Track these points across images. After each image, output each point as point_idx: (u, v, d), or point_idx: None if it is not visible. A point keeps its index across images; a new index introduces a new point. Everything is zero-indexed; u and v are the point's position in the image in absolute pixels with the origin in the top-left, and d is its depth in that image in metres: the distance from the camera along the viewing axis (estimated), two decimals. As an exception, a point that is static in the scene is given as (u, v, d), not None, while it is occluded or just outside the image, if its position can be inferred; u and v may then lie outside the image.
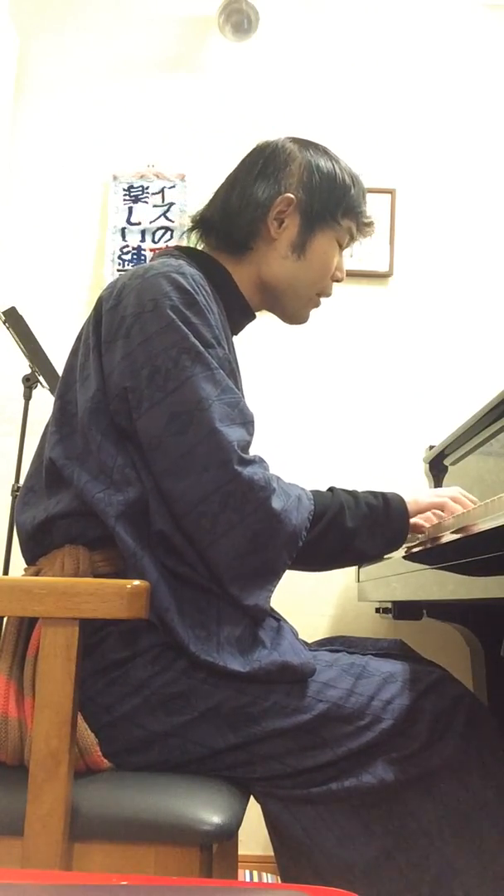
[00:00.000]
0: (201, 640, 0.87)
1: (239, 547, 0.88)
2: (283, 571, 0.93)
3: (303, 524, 0.92)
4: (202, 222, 1.12)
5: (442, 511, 1.04)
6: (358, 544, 0.97)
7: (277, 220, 1.07)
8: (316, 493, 0.98)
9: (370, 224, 1.14)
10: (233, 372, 0.98)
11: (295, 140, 1.11)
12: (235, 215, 1.07)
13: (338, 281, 1.14)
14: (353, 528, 0.96)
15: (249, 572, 0.90)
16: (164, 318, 0.91)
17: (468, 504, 1.05)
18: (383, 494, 1.02)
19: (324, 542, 0.95)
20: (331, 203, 1.08)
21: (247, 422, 0.93)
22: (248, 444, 0.92)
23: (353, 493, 1.00)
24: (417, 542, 1.04)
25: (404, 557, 1.07)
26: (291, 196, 1.07)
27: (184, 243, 1.61)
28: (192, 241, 1.15)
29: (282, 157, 1.08)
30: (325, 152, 1.11)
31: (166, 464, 0.88)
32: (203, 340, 0.92)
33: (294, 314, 1.15)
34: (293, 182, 1.07)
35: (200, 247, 1.12)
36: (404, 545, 1.04)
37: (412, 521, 1.03)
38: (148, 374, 0.89)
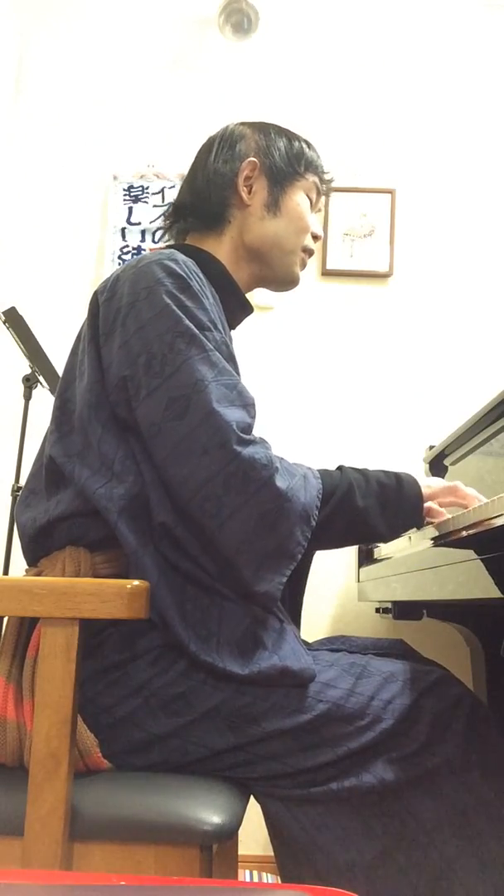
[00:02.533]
0: (201, 640, 0.87)
1: (247, 528, 0.87)
2: (299, 553, 0.91)
3: (312, 502, 0.91)
4: (175, 211, 1.15)
5: (454, 495, 1.02)
6: (370, 523, 0.95)
7: (247, 186, 1.10)
8: (323, 472, 0.96)
9: (331, 180, 1.19)
10: (231, 356, 0.97)
11: (242, 122, 1.16)
12: (205, 192, 1.11)
13: (316, 239, 1.16)
14: (364, 507, 0.95)
15: (262, 554, 0.88)
16: (159, 304, 0.91)
17: (472, 499, 1.03)
18: (395, 473, 1.00)
19: (334, 521, 0.94)
20: (292, 159, 1.12)
21: (247, 404, 0.92)
22: (250, 426, 0.91)
23: (363, 472, 0.98)
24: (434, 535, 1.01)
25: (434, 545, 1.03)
26: (254, 160, 1.11)
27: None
28: (170, 237, 1.17)
29: (235, 135, 1.13)
30: (272, 125, 1.16)
31: (167, 450, 0.88)
32: (198, 323, 0.92)
33: (284, 275, 1.15)
34: (252, 149, 1.12)
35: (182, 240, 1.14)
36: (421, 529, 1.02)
37: (427, 505, 1.00)
38: (145, 362, 0.89)
